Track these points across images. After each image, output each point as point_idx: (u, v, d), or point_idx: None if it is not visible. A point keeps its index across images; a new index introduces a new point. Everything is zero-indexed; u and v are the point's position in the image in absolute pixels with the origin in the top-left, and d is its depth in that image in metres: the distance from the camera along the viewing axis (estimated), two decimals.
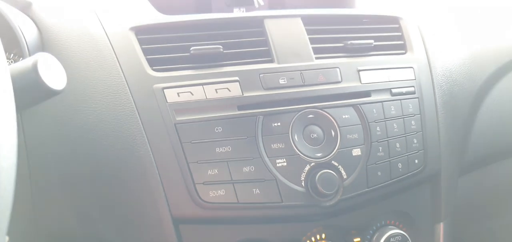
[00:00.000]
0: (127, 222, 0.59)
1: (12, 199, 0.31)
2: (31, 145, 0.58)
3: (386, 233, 0.68)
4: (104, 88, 0.59)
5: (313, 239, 0.65)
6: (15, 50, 0.62)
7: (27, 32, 0.61)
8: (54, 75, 0.42)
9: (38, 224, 0.60)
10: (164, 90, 0.58)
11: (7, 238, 0.32)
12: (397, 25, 0.76)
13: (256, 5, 0.80)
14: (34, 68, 0.40)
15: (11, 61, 0.62)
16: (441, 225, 0.72)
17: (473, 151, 0.80)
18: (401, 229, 0.69)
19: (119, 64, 0.60)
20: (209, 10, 0.87)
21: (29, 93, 0.41)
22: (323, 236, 0.66)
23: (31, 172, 0.58)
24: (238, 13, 0.78)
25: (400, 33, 0.76)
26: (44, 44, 0.63)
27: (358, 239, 0.68)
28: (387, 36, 0.74)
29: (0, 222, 0.28)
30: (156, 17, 0.65)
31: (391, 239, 0.67)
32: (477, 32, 0.87)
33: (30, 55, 0.60)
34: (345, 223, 0.66)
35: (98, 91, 0.59)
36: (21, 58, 0.61)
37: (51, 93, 0.42)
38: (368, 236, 0.69)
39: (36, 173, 0.58)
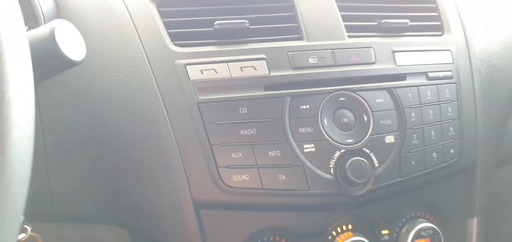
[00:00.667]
0: (145, 205, 0.56)
1: (29, 176, 0.28)
2: (47, 123, 0.55)
3: (416, 226, 0.64)
4: (123, 63, 0.55)
5: (338, 229, 0.62)
6: (30, 22, 0.58)
7: (44, 2, 0.58)
8: (72, 45, 0.39)
9: (53, 204, 0.58)
10: (187, 67, 0.55)
11: (22, 218, 0.30)
12: (433, 5, 0.71)
13: None
14: (52, 36, 0.36)
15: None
16: (475, 219, 0.68)
17: (511, 141, 0.75)
18: (431, 222, 0.65)
19: (139, 38, 0.56)
20: None
21: (46, 63, 0.37)
22: (350, 227, 0.62)
23: (47, 151, 0.55)
24: None
25: (436, 13, 0.71)
26: (60, 15, 0.59)
27: (386, 231, 0.64)
28: (423, 16, 0.69)
29: (16, 201, 0.26)
30: None
31: (421, 233, 0.64)
32: None
33: None
34: (373, 214, 0.62)
35: (117, 66, 0.55)
36: None
37: (69, 64, 0.38)
38: (397, 229, 0.65)
39: (52, 152, 0.56)
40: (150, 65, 0.55)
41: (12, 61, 0.26)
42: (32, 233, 0.53)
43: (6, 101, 0.25)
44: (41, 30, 0.37)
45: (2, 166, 0.24)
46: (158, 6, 0.59)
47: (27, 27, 0.59)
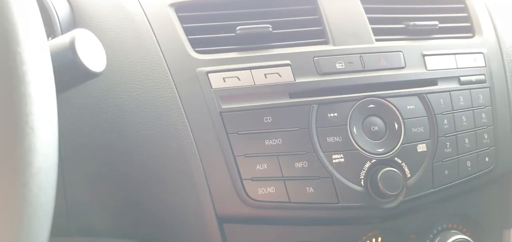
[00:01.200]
0: (166, 218, 0.53)
1: (53, 209, 0.25)
2: (63, 133, 0.53)
3: (449, 238, 0.60)
4: (142, 71, 0.53)
5: None
6: (46, 29, 0.56)
7: (60, 9, 0.56)
8: (92, 55, 0.36)
9: (70, 218, 0.55)
10: (208, 74, 0.52)
11: None
12: (462, 5, 0.68)
13: None
14: (72, 46, 0.34)
15: None
16: (511, 231, 0.65)
17: None
18: (465, 234, 0.61)
19: (159, 44, 0.54)
20: None
21: (65, 75, 0.35)
22: (379, 240, 0.59)
23: (63, 164, 0.53)
24: None
25: (466, 14, 0.67)
26: (76, 21, 0.57)
27: None
28: (453, 17, 0.66)
29: (39, 238, 0.23)
30: None
31: None
32: None
33: (62, 34, 0.54)
34: (404, 226, 0.59)
35: (136, 74, 0.53)
36: (51, 38, 0.56)
37: (89, 75, 0.36)
38: (428, 241, 0.62)
39: (69, 164, 0.53)
40: (171, 74, 0.53)
41: (35, 81, 0.23)
42: None
43: (29, 126, 0.22)
44: (61, 40, 0.35)
45: (24, 199, 0.21)
46: (177, 11, 0.56)
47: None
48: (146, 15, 0.56)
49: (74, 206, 0.55)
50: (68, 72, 0.35)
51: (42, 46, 0.26)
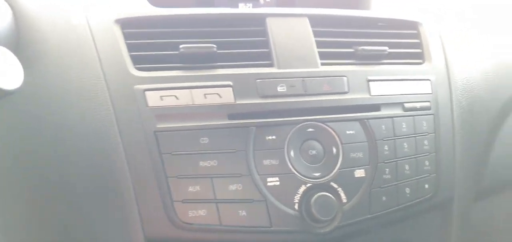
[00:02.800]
0: (94, 241, 0.53)
1: None
2: None
3: None
4: (81, 88, 0.52)
5: None
6: None
7: (0, 17, 0.55)
8: (5, 72, 0.36)
9: None
10: (146, 92, 0.52)
11: None
12: (415, 31, 0.68)
13: (262, 1, 0.73)
14: None
15: None
16: None
17: (491, 175, 0.72)
18: None
19: (100, 60, 0.54)
20: (211, 4, 0.80)
21: None
22: None
23: None
24: (244, 8, 0.71)
25: (418, 41, 0.68)
26: (19, 32, 0.56)
27: None
28: (404, 43, 0.67)
29: None
30: (145, 9, 0.59)
31: None
32: (504, 41, 0.78)
33: (1, 44, 0.54)
34: None
35: (74, 91, 0.52)
36: None
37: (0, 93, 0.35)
38: None
39: None
40: (109, 90, 0.52)
41: None
42: None
43: None
44: None
45: None
46: (122, 27, 0.56)
47: None
48: (90, 31, 0.55)
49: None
50: None
51: None
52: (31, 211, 0.53)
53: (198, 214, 0.51)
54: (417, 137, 0.61)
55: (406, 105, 0.62)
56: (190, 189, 0.51)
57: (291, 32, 0.60)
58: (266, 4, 0.74)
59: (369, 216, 0.57)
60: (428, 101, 0.63)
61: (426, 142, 0.62)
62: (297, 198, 0.54)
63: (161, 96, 0.52)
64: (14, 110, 0.52)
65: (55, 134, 0.51)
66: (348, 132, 0.57)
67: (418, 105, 0.63)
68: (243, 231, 0.52)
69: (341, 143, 0.57)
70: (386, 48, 0.63)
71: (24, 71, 0.49)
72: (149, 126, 0.51)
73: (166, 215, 0.50)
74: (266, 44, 0.59)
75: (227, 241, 0.53)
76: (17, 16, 0.57)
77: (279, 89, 0.56)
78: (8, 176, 0.52)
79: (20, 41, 0.53)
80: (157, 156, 0.51)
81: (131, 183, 0.50)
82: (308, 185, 0.54)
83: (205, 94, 0.54)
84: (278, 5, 0.82)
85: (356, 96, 0.59)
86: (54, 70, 0.53)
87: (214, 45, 0.56)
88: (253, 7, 0.74)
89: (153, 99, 0.52)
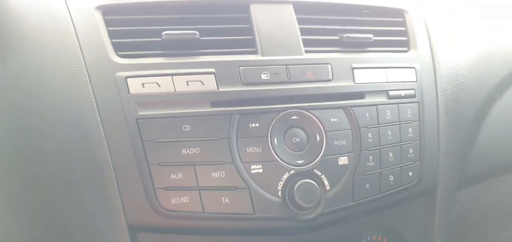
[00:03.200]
0: (76, 228, 0.52)
1: None
2: None
3: None
4: (61, 74, 0.52)
5: None
6: None
7: None
8: None
9: None
10: (127, 79, 0.52)
11: None
12: (401, 19, 0.68)
13: None
14: None
15: None
16: None
17: (475, 163, 0.73)
18: None
19: (80, 47, 0.53)
20: None
21: None
22: None
23: None
24: None
25: (403, 28, 0.68)
26: None
27: None
28: (389, 30, 0.67)
29: None
30: None
31: None
32: (490, 30, 0.79)
33: None
34: (326, 239, 0.60)
35: (54, 78, 0.52)
36: None
37: None
38: None
39: None
40: (89, 78, 0.52)
41: None
42: None
43: None
44: None
45: None
46: (104, 14, 0.55)
47: None
48: (71, 17, 0.55)
49: None
50: None
51: None
52: (12, 198, 0.52)
53: (181, 201, 0.51)
54: (402, 125, 0.62)
55: (391, 93, 0.62)
56: (173, 176, 0.51)
57: (275, 19, 0.60)
58: None
59: (352, 203, 0.57)
60: (413, 89, 0.63)
61: (410, 130, 0.62)
62: (280, 185, 0.54)
63: (143, 84, 0.52)
64: None
65: (35, 122, 0.51)
66: (332, 120, 0.57)
67: (402, 93, 0.63)
68: (226, 218, 0.52)
69: (325, 131, 0.57)
70: (371, 35, 0.63)
71: (1, 59, 0.48)
72: (131, 113, 0.51)
73: (148, 202, 0.50)
74: (250, 31, 0.59)
75: (210, 228, 0.53)
76: None
77: (263, 76, 0.56)
78: None
79: None
80: (139, 144, 0.50)
81: (113, 171, 0.50)
82: (292, 172, 0.54)
83: (187, 81, 0.53)
84: None
85: (340, 84, 0.59)
86: (33, 57, 0.53)
87: (197, 32, 0.55)
88: None
89: (135, 86, 0.51)
